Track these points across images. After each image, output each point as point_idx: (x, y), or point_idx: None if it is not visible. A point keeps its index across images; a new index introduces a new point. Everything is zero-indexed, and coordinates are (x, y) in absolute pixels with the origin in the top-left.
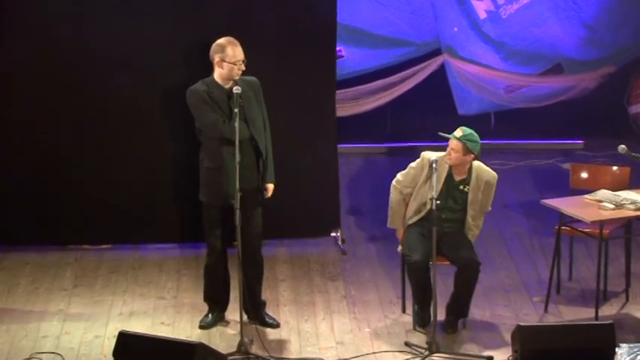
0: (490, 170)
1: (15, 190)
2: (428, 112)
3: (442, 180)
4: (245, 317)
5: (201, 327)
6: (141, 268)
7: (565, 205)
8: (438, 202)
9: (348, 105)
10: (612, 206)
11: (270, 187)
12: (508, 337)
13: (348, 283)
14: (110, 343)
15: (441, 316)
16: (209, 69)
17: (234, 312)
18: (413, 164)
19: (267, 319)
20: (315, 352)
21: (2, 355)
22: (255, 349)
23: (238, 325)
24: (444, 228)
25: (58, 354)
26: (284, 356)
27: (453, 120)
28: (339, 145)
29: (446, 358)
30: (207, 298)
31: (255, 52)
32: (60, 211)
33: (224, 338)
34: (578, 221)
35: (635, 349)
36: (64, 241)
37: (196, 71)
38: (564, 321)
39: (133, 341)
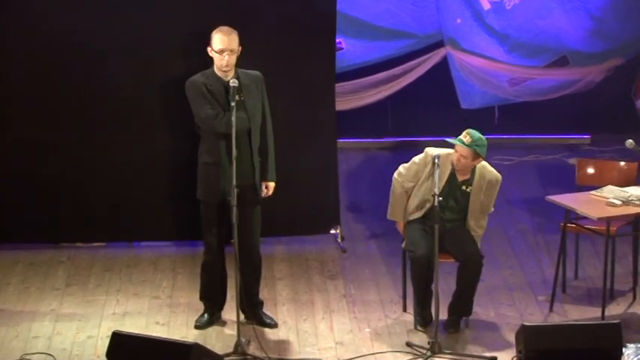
0: (494, 171)
1: (6, 187)
2: (430, 106)
3: (445, 179)
4: (242, 317)
5: (196, 327)
6: (135, 266)
7: (571, 201)
8: (440, 198)
9: (348, 98)
10: (619, 203)
11: (271, 185)
12: (512, 337)
13: (348, 282)
14: (103, 344)
15: (443, 315)
16: (208, 61)
17: (230, 311)
18: (416, 159)
19: (265, 319)
20: (314, 352)
21: None
22: (252, 350)
23: (235, 325)
24: (446, 225)
25: (49, 355)
26: (282, 357)
27: (455, 114)
28: (338, 140)
29: (448, 358)
30: (203, 298)
31: (253, 43)
32: (52, 209)
33: (220, 338)
34: (585, 218)
35: None
36: (57, 239)
37: (194, 64)
38: (570, 320)
39: (127, 342)
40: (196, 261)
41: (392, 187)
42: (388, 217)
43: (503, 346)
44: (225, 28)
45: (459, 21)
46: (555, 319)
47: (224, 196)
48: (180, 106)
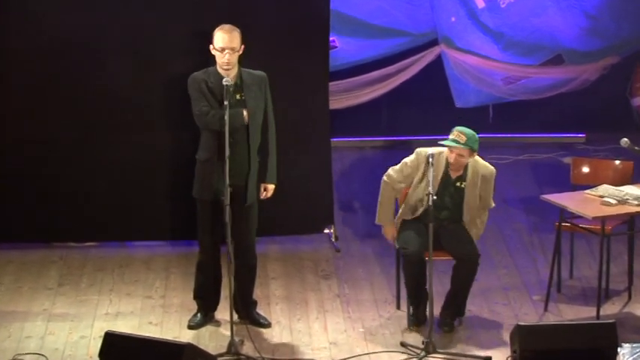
0: (488, 165)
1: None
2: (424, 104)
3: (439, 177)
4: (235, 317)
5: (190, 327)
6: (128, 266)
7: (566, 200)
8: (435, 197)
9: (342, 97)
10: (614, 202)
11: (270, 187)
12: (507, 337)
13: (342, 282)
14: (96, 344)
15: (437, 314)
16: (209, 60)
17: (224, 311)
18: (407, 160)
19: (259, 319)
20: (308, 352)
21: None
22: (245, 350)
23: (228, 325)
24: (442, 223)
25: (42, 355)
26: (275, 357)
27: (450, 113)
28: (332, 139)
29: (443, 358)
30: (197, 297)
31: (246, 42)
32: (44, 208)
33: (214, 338)
34: (579, 217)
35: (638, 349)
36: (49, 239)
37: (193, 64)
38: (565, 320)
39: (120, 342)
40: (189, 261)
41: (381, 191)
42: (376, 221)
43: (498, 345)
44: (226, 26)
45: (453, 19)
46: (550, 319)
47: (217, 194)
48: (176, 105)
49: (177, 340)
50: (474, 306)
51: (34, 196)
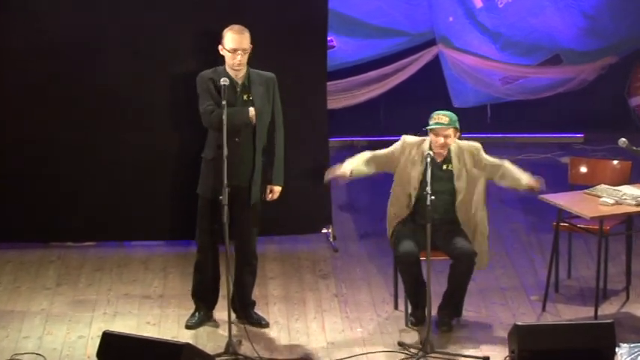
0: (469, 142)
1: None
2: (422, 104)
3: (421, 164)
4: (233, 316)
5: (188, 327)
6: (126, 266)
7: (563, 200)
8: (433, 197)
9: (340, 97)
10: (612, 202)
11: (277, 189)
12: (505, 337)
13: (340, 281)
14: (94, 344)
15: (435, 314)
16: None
17: (222, 311)
18: (392, 147)
19: (257, 319)
20: (306, 352)
21: None
22: (243, 350)
23: (226, 325)
24: (438, 214)
25: (40, 355)
26: (273, 357)
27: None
28: (330, 139)
29: (441, 358)
30: (195, 296)
31: None
32: (42, 208)
33: (211, 338)
34: (577, 217)
35: (636, 349)
36: (47, 239)
37: (191, 65)
38: (563, 320)
39: (118, 342)
40: (188, 261)
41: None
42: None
43: (496, 345)
44: (236, 27)
45: (451, 19)
46: (548, 319)
47: (216, 193)
48: (175, 105)
49: (175, 340)
50: (471, 306)
51: (32, 196)
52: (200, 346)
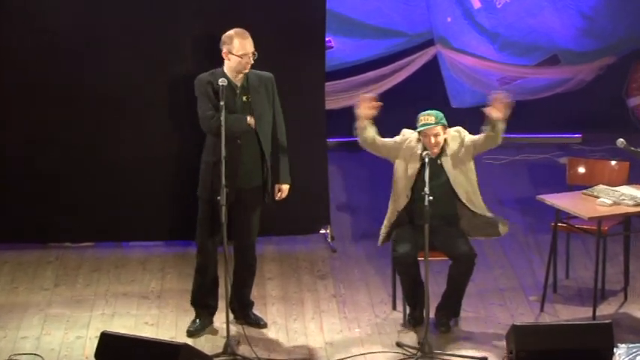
0: (451, 129)
1: None
2: (420, 105)
3: (418, 161)
4: (231, 317)
5: (189, 333)
6: (124, 266)
7: (561, 200)
8: (431, 198)
9: (338, 97)
10: (610, 202)
11: (285, 187)
12: (503, 337)
13: (338, 282)
14: (92, 344)
15: (433, 314)
16: (202, 61)
17: (220, 311)
18: (395, 137)
19: (255, 319)
20: (304, 352)
21: None
22: (241, 350)
23: (224, 326)
24: (438, 212)
25: (38, 355)
26: (271, 357)
27: (446, 113)
28: (328, 139)
29: (439, 358)
30: (195, 303)
31: None
32: (40, 208)
33: (209, 339)
34: (575, 218)
35: (634, 350)
36: (45, 239)
37: (190, 66)
38: (561, 321)
39: (116, 342)
40: (186, 261)
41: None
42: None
43: (494, 346)
44: (240, 31)
45: (449, 19)
46: (546, 319)
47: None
48: (175, 106)
49: (173, 340)
50: (470, 306)
51: (30, 197)
52: (198, 347)
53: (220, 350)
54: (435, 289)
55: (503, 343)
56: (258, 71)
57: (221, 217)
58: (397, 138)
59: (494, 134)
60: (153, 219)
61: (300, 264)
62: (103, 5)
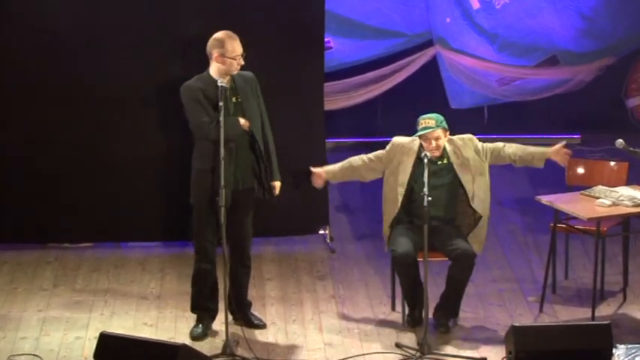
0: (459, 136)
1: None
2: (419, 105)
3: (413, 161)
4: (230, 318)
5: (193, 338)
6: (123, 267)
7: (560, 201)
8: (430, 198)
9: (337, 98)
10: (609, 203)
11: (277, 185)
12: (502, 338)
13: (337, 282)
14: (91, 345)
15: (432, 315)
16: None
17: (219, 312)
18: (383, 152)
19: (254, 320)
20: (303, 353)
21: None
22: (240, 351)
23: (223, 326)
24: (439, 213)
25: (37, 356)
26: (270, 358)
27: (445, 114)
28: (327, 140)
29: (438, 359)
30: (196, 308)
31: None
32: (39, 209)
33: (208, 339)
34: (574, 218)
35: (633, 350)
36: (44, 239)
37: (192, 67)
38: (560, 321)
39: (115, 342)
40: (185, 262)
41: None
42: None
43: (493, 346)
44: (230, 33)
45: (448, 20)
46: (545, 320)
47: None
48: (174, 107)
49: (172, 341)
50: (469, 307)
51: (29, 197)
52: (197, 347)
53: (219, 351)
54: (435, 290)
55: (502, 343)
56: (240, 72)
57: (220, 219)
58: (384, 152)
59: (534, 164)
60: (152, 219)
61: (299, 265)
62: (103, 5)
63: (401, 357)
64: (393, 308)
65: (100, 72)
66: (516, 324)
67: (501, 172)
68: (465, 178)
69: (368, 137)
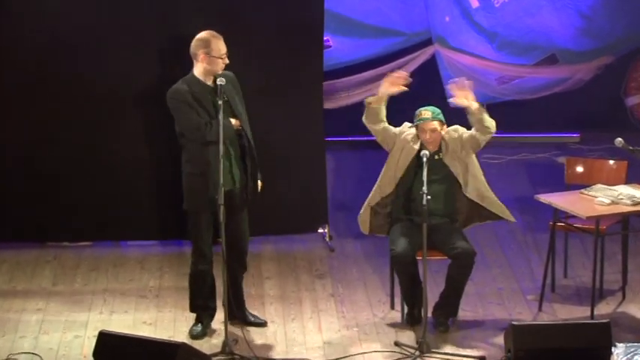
0: (447, 128)
1: None
2: (418, 104)
3: (414, 153)
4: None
5: (193, 337)
6: (122, 266)
7: (560, 200)
8: (429, 197)
9: (336, 96)
10: (608, 201)
11: (260, 184)
12: (501, 337)
13: (336, 281)
14: (90, 343)
15: (431, 313)
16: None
17: (218, 311)
18: (396, 128)
19: (253, 318)
20: (302, 352)
21: None
22: (239, 349)
23: (222, 325)
24: (439, 207)
25: (36, 354)
26: (269, 356)
27: (444, 112)
28: (326, 138)
29: (437, 358)
30: (195, 308)
31: (239, 42)
32: (38, 208)
33: (207, 338)
34: (574, 217)
35: (632, 349)
36: (44, 239)
37: (189, 66)
38: (559, 320)
39: (114, 341)
40: (183, 260)
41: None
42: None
43: (492, 345)
44: (214, 33)
45: (447, 19)
46: (544, 319)
47: (215, 205)
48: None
49: (171, 339)
50: (468, 306)
51: (28, 196)
52: (196, 346)
53: (219, 349)
54: (434, 289)
55: (502, 342)
56: (222, 71)
57: (219, 217)
58: (397, 129)
59: (479, 124)
60: (151, 218)
61: (298, 263)
62: (103, 5)
63: (400, 356)
64: (392, 307)
65: (100, 72)
66: (515, 322)
67: (501, 171)
68: (457, 170)
69: (367, 136)
